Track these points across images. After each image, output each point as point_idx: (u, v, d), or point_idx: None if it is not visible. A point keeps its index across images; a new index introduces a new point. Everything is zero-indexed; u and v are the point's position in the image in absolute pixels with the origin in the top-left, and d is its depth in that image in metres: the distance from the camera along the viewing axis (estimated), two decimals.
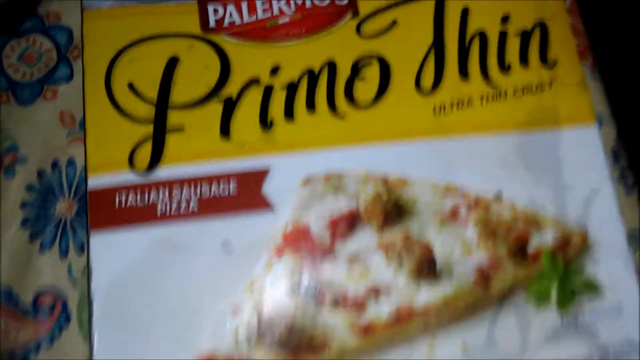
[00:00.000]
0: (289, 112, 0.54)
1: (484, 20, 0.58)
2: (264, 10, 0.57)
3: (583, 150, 0.55)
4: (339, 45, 0.57)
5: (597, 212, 0.53)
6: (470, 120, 0.55)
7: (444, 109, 0.55)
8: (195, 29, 0.57)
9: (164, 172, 0.52)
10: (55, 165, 0.52)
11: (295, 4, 0.58)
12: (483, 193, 0.54)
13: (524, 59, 0.57)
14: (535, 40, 0.58)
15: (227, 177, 0.52)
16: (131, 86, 0.54)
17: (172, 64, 0.55)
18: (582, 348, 0.49)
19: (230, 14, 0.57)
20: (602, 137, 0.56)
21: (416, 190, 0.54)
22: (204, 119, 0.54)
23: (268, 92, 0.55)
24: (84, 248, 0.50)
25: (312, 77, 0.56)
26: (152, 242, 0.50)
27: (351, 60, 0.56)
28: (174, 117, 0.54)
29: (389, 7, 0.58)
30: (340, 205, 0.53)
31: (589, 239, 0.52)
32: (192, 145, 0.53)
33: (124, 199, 0.51)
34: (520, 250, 0.52)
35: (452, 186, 0.54)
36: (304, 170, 0.53)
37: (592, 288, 0.51)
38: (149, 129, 0.53)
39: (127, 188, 0.52)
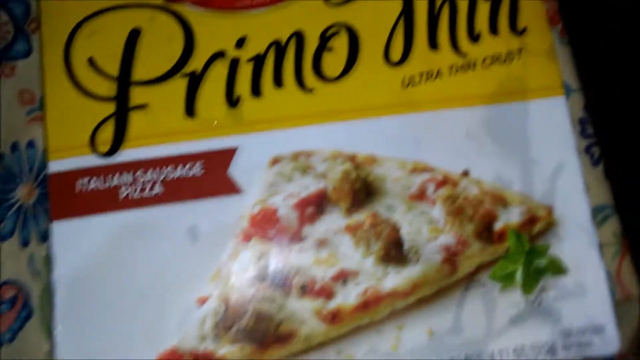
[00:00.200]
0: (256, 88, 0.46)
1: None
2: None
3: (551, 122, 0.48)
4: (307, 14, 0.48)
5: (563, 187, 0.46)
6: (439, 93, 0.47)
7: (413, 80, 0.47)
8: None
9: (127, 153, 0.44)
10: (15, 147, 0.44)
11: None
12: (451, 169, 0.46)
13: (493, 27, 0.48)
14: (505, 6, 0.49)
15: (192, 158, 0.45)
16: (91, 61, 0.45)
17: (134, 36, 0.46)
18: (545, 332, 0.43)
19: None
20: (569, 107, 0.48)
21: (385, 167, 0.46)
22: (168, 96, 0.46)
23: (234, 66, 0.46)
24: (46, 237, 0.42)
25: (280, 49, 0.47)
26: (116, 229, 0.43)
27: (319, 30, 0.48)
28: (136, 95, 0.45)
29: None
30: (308, 185, 0.45)
31: (554, 216, 0.45)
32: (156, 125, 0.45)
33: (85, 183, 0.43)
34: (486, 229, 0.45)
35: (421, 163, 0.46)
36: (272, 149, 0.46)
37: (557, 268, 0.45)
38: (111, 108, 0.45)
39: (89, 171, 0.44)
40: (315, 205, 0.45)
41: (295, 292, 0.43)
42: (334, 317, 0.42)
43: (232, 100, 0.46)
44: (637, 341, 0.45)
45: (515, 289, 0.44)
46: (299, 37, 0.48)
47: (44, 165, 0.44)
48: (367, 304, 0.43)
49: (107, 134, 0.45)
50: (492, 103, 0.48)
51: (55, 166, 0.44)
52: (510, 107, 0.48)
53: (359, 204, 0.45)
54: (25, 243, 0.43)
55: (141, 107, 0.45)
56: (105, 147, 0.44)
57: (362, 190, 0.46)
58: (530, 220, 0.46)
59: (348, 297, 0.43)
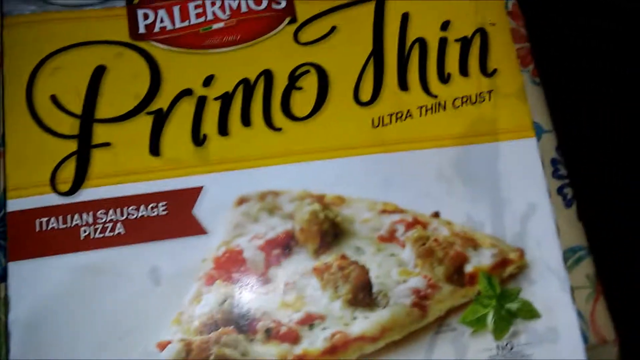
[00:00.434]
0: (223, 127, 0.46)
1: (424, 26, 0.50)
2: (197, 15, 0.48)
3: (521, 163, 0.48)
4: (276, 53, 0.48)
5: (534, 229, 0.47)
6: (409, 133, 0.47)
7: (383, 121, 0.47)
8: (124, 35, 0.47)
9: (88, 192, 0.43)
10: None
11: (230, 8, 0.49)
12: (421, 210, 0.46)
13: (463, 69, 0.49)
14: (475, 48, 0.50)
15: (156, 198, 0.44)
16: (54, 98, 0.45)
17: (99, 73, 0.46)
18: None
19: (162, 19, 0.48)
20: (541, 146, 0.48)
21: (354, 208, 0.46)
22: (132, 134, 0.45)
23: (201, 104, 0.46)
24: (3, 277, 0.41)
25: (248, 88, 0.47)
26: (76, 270, 0.42)
27: (288, 69, 0.48)
28: (100, 133, 0.45)
29: (328, 12, 0.49)
30: (275, 226, 0.44)
31: (525, 259, 0.45)
32: (119, 163, 0.44)
33: (44, 222, 0.42)
34: (457, 272, 0.44)
35: (390, 204, 0.46)
36: (238, 189, 0.45)
37: (529, 312, 0.45)
38: (73, 146, 0.44)
39: (49, 211, 0.43)
40: (282, 247, 0.45)
41: (260, 337, 0.42)
42: None
43: (199, 139, 0.46)
44: None
45: (486, 334, 0.44)
46: (267, 76, 0.48)
47: (2, 203, 0.43)
48: (335, 349, 0.42)
49: (68, 172, 0.44)
50: (462, 144, 0.48)
51: (14, 205, 0.43)
52: (481, 148, 0.48)
53: (326, 246, 0.45)
54: None
55: (104, 145, 0.45)
56: (65, 186, 0.44)
57: (330, 231, 0.45)
58: (502, 263, 0.46)
59: (315, 341, 0.42)
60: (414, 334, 0.44)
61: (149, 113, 0.46)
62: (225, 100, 0.47)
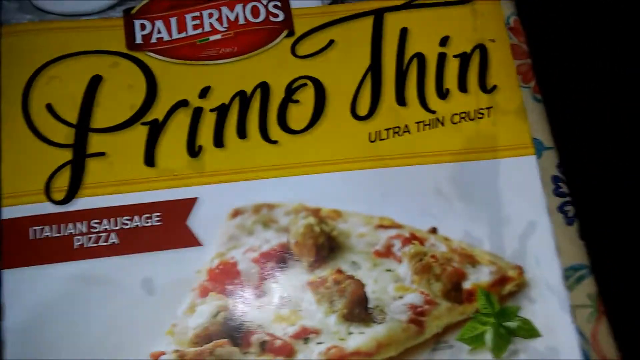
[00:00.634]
0: (219, 138, 0.46)
1: (423, 41, 0.51)
2: (194, 27, 0.49)
3: (521, 180, 0.48)
4: (273, 65, 0.49)
5: (534, 247, 0.47)
6: (407, 148, 0.48)
7: (380, 135, 0.47)
8: (121, 45, 0.47)
9: (82, 202, 0.43)
10: None
11: (228, 20, 0.49)
12: (418, 226, 0.46)
13: (462, 84, 0.49)
14: (475, 64, 0.50)
15: (150, 208, 0.44)
16: (50, 107, 0.45)
17: (95, 83, 0.46)
18: None
19: (159, 30, 0.48)
20: (542, 163, 0.48)
21: (350, 222, 0.46)
22: (127, 144, 0.46)
23: (197, 115, 0.47)
24: None
25: (244, 100, 0.47)
26: (68, 279, 0.42)
27: (285, 82, 0.48)
28: (95, 142, 0.45)
29: (326, 25, 0.50)
30: (269, 239, 0.45)
31: (525, 277, 0.45)
32: (113, 173, 0.45)
33: (38, 230, 0.43)
34: (455, 289, 0.44)
35: (387, 219, 0.46)
36: (233, 201, 0.46)
37: (528, 330, 0.44)
38: (68, 155, 0.45)
39: (43, 219, 0.43)
40: (277, 259, 0.45)
41: (254, 350, 0.42)
42: None
43: (194, 150, 0.46)
44: None
45: (485, 352, 0.44)
46: (264, 88, 0.48)
47: None
48: None
49: (62, 181, 0.44)
50: (461, 160, 0.48)
51: (9, 212, 0.43)
52: (480, 164, 0.49)
53: (322, 260, 0.45)
54: None
55: (99, 154, 0.45)
56: (60, 195, 0.44)
57: (325, 245, 0.45)
58: (501, 280, 0.46)
59: (310, 356, 0.42)
60: (411, 350, 0.43)
61: (145, 123, 0.46)
62: (221, 112, 0.47)
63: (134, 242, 0.43)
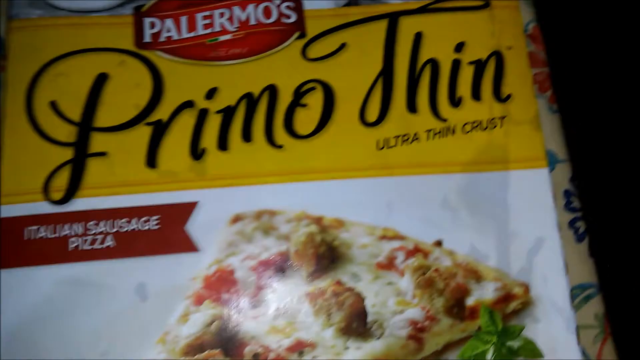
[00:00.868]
0: (223, 141, 0.44)
1: (438, 46, 0.48)
2: (205, 26, 0.47)
3: (532, 194, 0.46)
4: (283, 68, 0.47)
5: (542, 264, 0.44)
6: (415, 157, 0.46)
7: (388, 142, 0.45)
8: (129, 43, 0.46)
9: (80, 202, 0.42)
10: None
11: (239, 20, 0.47)
12: (423, 238, 0.44)
13: (476, 93, 0.47)
14: (490, 71, 0.48)
15: (149, 211, 0.43)
16: (53, 105, 0.44)
17: (101, 81, 0.45)
18: None
19: (168, 29, 0.47)
20: (555, 176, 0.46)
21: (352, 232, 0.44)
22: (130, 144, 0.44)
23: (202, 117, 0.45)
24: None
25: (251, 102, 0.46)
26: (61, 281, 0.41)
27: (294, 85, 0.47)
28: (97, 142, 0.44)
29: (339, 28, 0.48)
30: (269, 247, 0.43)
31: (530, 295, 0.43)
32: (114, 174, 0.43)
33: (34, 231, 0.41)
34: (457, 305, 0.42)
35: (391, 230, 0.44)
36: (234, 206, 0.44)
37: (531, 351, 0.42)
38: (68, 154, 0.43)
39: (39, 219, 0.42)
40: (276, 269, 0.43)
41: None
42: None
43: (197, 153, 0.45)
44: None
45: None
46: (272, 91, 0.46)
47: None
48: None
49: (62, 180, 0.43)
50: (470, 171, 0.46)
51: (5, 211, 0.42)
52: (490, 176, 0.46)
53: (322, 270, 0.43)
54: None
55: (100, 154, 0.44)
56: (58, 195, 0.43)
57: (326, 255, 0.44)
58: (505, 297, 0.44)
59: None
60: None
61: (149, 124, 0.45)
62: (227, 114, 0.45)
63: (130, 245, 0.42)
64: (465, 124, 0.47)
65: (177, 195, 0.44)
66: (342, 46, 0.48)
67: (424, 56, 0.49)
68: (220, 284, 0.42)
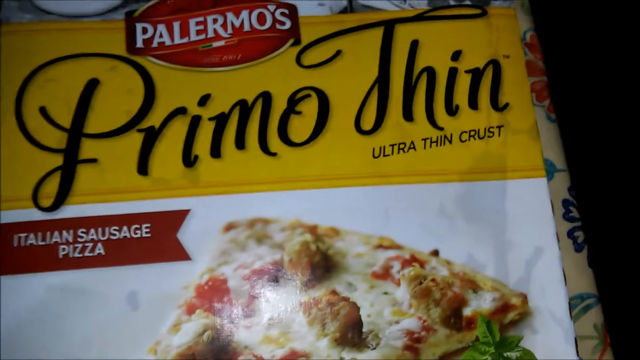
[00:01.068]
0: (216, 148, 0.44)
1: (434, 54, 0.48)
2: (198, 32, 0.46)
3: (529, 204, 0.45)
4: (277, 75, 0.46)
5: (540, 274, 0.44)
6: (412, 166, 0.45)
7: (384, 151, 0.44)
8: (121, 49, 0.45)
9: (70, 210, 0.41)
10: None
11: (233, 26, 0.46)
12: (420, 247, 0.43)
13: (473, 101, 0.46)
14: (487, 80, 0.47)
15: (140, 219, 0.42)
16: (43, 110, 0.43)
17: (92, 86, 0.44)
18: None
19: (161, 34, 0.46)
20: (553, 186, 0.45)
21: (347, 241, 0.43)
22: (121, 151, 0.43)
23: (195, 123, 0.44)
24: None
25: (245, 109, 0.45)
26: (50, 289, 0.40)
27: (288, 92, 0.46)
28: (87, 148, 0.43)
29: (334, 35, 0.47)
30: (263, 255, 0.42)
31: (528, 305, 0.42)
32: (105, 181, 0.43)
33: (23, 238, 0.40)
34: (454, 315, 0.41)
35: (387, 239, 0.43)
36: (227, 214, 0.43)
37: None
38: (58, 160, 0.42)
39: (28, 226, 0.41)
40: (269, 278, 0.42)
41: None
42: None
43: (189, 160, 0.44)
44: None
45: None
46: (266, 98, 0.46)
47: None
48: None
49: (51, 187, 0.42)
50: (467, 180, 0.46)
51: None
52: (487, 185, 0.46)
53: (316, 279, 0.42)
54: None
55: (91, 161, 0.43)
56: (48, 202, 0.42)
57: (321, 264, 0.43)
58: (503, 308, 0.43)
59: None
60: None
61: (140, 130, 0.44)
62: (220, 121, 0.45)
63: (121, 253, 0.41)
64: (462, 132, 0.46)
65: (169, 203, 0.43)
66: (338, 53, 0.47)
67: (420, 64, 0.48)
68: (213, 293, 0.41)
